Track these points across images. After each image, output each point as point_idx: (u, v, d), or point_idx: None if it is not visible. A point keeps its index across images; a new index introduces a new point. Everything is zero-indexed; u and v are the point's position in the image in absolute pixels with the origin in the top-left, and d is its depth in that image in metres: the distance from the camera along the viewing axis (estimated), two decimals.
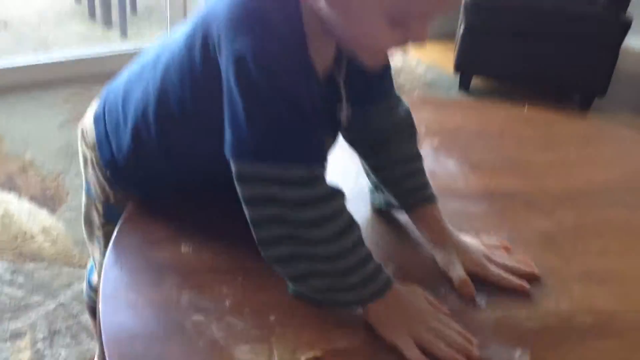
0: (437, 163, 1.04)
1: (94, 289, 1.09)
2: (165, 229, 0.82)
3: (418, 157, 0.88)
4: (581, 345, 0.71)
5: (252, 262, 0.73)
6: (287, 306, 0.71)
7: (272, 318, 0.70)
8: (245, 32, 0.66)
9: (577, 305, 0.76)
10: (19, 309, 1.42)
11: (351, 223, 0.69)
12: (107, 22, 3.33)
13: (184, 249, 0.78)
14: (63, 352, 1.33)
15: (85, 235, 0.99)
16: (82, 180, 0.95)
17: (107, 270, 0.75)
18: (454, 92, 2.76)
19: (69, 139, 2.10)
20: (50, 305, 1.44)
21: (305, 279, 0.69)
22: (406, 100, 0.92)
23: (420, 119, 1.16)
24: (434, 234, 0.83)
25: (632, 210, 0.97)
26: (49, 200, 1.80)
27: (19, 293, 1.46)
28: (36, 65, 2.54)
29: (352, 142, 0.91)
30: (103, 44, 3.09)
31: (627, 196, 1.01)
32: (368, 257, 0.69)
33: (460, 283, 0.76)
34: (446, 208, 0.87)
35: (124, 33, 3.23)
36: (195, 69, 0.73)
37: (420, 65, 2.95)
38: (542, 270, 0.81)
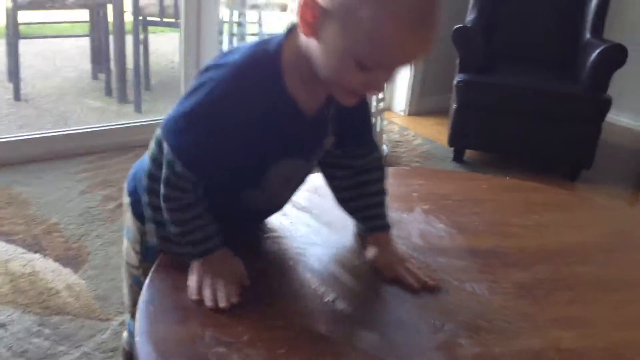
0: (427, 225, 1.17)
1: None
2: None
3: (381, 193, 1.08)
4: None
5: (264, 306, 0.89)
6: (293, 342, 0.84)
7: (281, 351, 0.82)
8: (230, 68, 0.87)
9: (546, 344, 0.88)
10: (46, 357, 1.53)
11: (191, 205, 0.93)
12: (123, 98, 3.51)
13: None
14: None
15: (125, 280, 1.15)
16: (122, 227, 1.13)
17: (141, 307, 0.88)
18: (449, 162, 2.92)
19: (89, 204, 2.25)
20: (75, 354, 1.54)
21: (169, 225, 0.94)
22: (402, 170, 1.10)
23: (414, 187, 1.33)
24: (376, 241, 1.05)
25: (601, 267, 1.09)
26: (72, 259, 1.93)
27: (46, 344, 1.57)
28: (57, 136, 2.71)
29: (329, 177, 1.10)
30: (119, 118, 3.27)
31: (598, 255, 1.13)
32: (200, 227, 0.93)
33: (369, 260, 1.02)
34: (434, 262, 1.03)
35: (138, 109, 3.42)
36: None
37: (418, 139, 3.13)
38: (517, 316, 0.93)
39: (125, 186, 1.12)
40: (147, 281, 0.94)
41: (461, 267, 1.05)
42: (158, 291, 0.92)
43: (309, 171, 1.04)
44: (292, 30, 0.89)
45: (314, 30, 0.83)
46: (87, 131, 2.80)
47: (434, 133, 3.21)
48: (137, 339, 0.83)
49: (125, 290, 1.17)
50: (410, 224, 1.18)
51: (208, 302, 0.88)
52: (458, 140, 2.87)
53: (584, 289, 1.03)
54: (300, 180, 1.04)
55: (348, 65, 0.81)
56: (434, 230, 1.16)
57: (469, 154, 2.98)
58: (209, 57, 2.87)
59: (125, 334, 1.27)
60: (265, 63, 0.87)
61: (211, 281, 0.90)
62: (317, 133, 0.98)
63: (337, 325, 0.88)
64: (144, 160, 1.04)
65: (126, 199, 1.10)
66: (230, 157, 0.91)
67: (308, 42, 0.85)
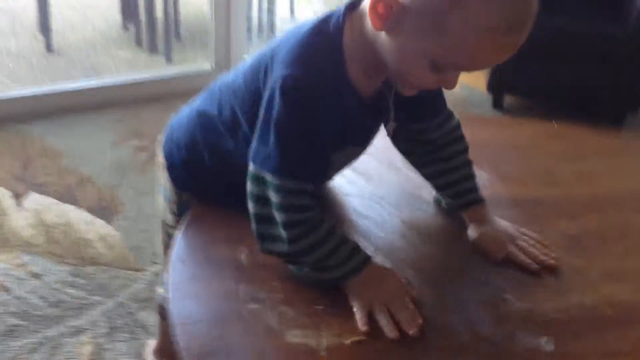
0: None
1: None
2: (224, 231, 0.92)
3: (467, 165, 1.00)
4: (603, 334, 0.78)
5: None
6: (332, 298, 0.80)
7: (319, 308, 0.78)
8: (293, 63, 0.79)
9: (599, 298, 0.83)
10: (81, 307, 1.55)
11: (314, 227, 0.81)
12: (153, 48, 3.46)
13: (240, 249, 0.87)
14: (121, 347, 1.45)
15: (162, 238, 1.12)
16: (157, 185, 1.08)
17: (173, 264, 0.85)
18: (487, 109, 2.82)
19: (120, 156, 2.23)
20: (109, 304, 1.56)
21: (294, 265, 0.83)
22: None
23: None
24: (475, 217, 0.96)
25: None
26: (105, 210, 1.93)
27: (81, 294, 1.59)
28: (89, 89, 2.69)
29: (406, 153, 1.02)
30: (149, 69, 3.24)
31: None
32: (341, 242, 0.82)
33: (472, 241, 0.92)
34: None
35: (168, 59, 3.37)
36: (251, 99, 0.86)
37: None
38: (567, 269, 0.88)
39: (160, 142, 1.06)
40: (178, 236, 0.91)
41: (505, 218, 0.98)
42: (190, 247, 0.90)
43: (362, 153, 0.98)
44: (352, 8, 0.82)
45: (385, 24, 0.76)
46: (118, 82, 2.78)
47: (472, 79, 3.09)
48: (169, 295, 0.80)
49: (161, 246, 1.15)
50: None
51: (390, 332, 0.76)
52: (497, 85, 2.75)
53: (637, 239, 0.96)
54: (352, 163, 0.99)
55: (422, 65, 0.77)
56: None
57: (508, 100, 2.87)
58: (239, 6, 2.82)
59: (160, 290, 1.26)
60: (327, 51, 0.81)
61: (382, 306, 0.79)
62: (378, 119, 0.93)
63: None
64: (181, 117, 1.01)
65: (162, 160, 1.04)
66: (318, 153, 0.83)
67: (375, 32, 0.79)
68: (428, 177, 1.01)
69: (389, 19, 0.75)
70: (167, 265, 1.04)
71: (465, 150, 1.00)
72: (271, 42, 0.87)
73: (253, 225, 0.82)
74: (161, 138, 1.06)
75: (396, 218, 0.98)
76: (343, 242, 0.82)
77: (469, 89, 3.00)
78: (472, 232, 0.94)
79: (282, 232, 0.80)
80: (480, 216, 0.96)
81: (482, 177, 1.09)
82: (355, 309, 0.78)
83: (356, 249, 0.83)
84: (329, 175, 0.98)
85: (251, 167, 0.82)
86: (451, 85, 0.80)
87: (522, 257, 0.89)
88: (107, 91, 2.70)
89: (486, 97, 2.86)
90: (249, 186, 0.82)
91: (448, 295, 0.83)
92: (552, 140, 1.27)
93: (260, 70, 0.85)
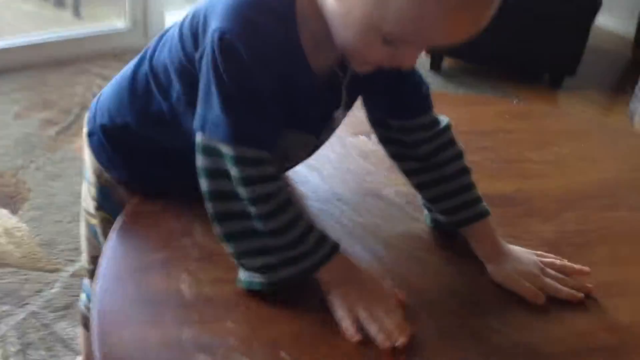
0: None
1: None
2: (160, 247, 0.77)
3: (465, 172, 0.85)
4: None
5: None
6: (298, 341, 0.66)
7: (283, 354, 0.65)
8: (235, 17, 0.68)
9: (593, 321, 0.74)
10: None
11: (288, 201, 0.71)
12: (59, 1, 3.18)
13: (182, 277, 0.72)
14: None
15: (81, 227, 0.98)
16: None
17: (100, 295, 0.69)
18: (425, 72, 2.72)
19: (26, 130, 1.98)
20: (20, 314, 1.35)
21: (255, 256, 0.71)
22: None
23: None
24: (486, 248, 0.81)
25: (634, 212, 0.95)
26: (9, 198, 1.69)
27: None
28: None
29: (396, 157, 0.87)
30: (55, 25, 2.94)
31: (627, 195, 0.99)
32: (309, 227, 0.72)
33: (531, 295, 0.76)
34: None
35: (77, 14, 3.08)
36: (185, 55, 0.75)
37: None
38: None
39: (87, 113, 0.92)
40: (104, 257, 0.75)
41: None
42: (119, 274, 0.74)
43: (314, 149, 0.87)
44: None
45: None
46: (20, 43, 2.47)
47: None
48: (94, 336, 0.65)
49: (82, 241, 1.00)
50: None
51: (383, 342, 0.67)
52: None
53: (619, 242, 0.88)
54: (301, 159, 0.88)
55: (372, 38, 0.66)
56: None
57: (447, 62, 2.78)
58: None
59: (83, 297, 1.09)
60: (276, 6, 0.69)
61: (367, 311, 0.70)
62: (328, 103, 0.80)
63: None
64: (112, 81, 0.87)
65: (85, 129, 0.90)
66: (269, 115, 0.72)
67: None
68: (419, 187, 0.87)
69: None
70: (91, 267, 0.94)
71: (459, 155, 0.85)
72: None
73: (208, 205, 0.71)
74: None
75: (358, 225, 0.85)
76: (309, 227, 0.72)
77: None
78: (493, 272, 0.79)
79: (252, 209, 0.69)
80: (485, 241, 0.82)
81: None
82: (339, 316, 0.69)
83: (323, 236, 0.72)
84: (280, 162, 0.80)
85: (199, 136, 0.71)
86: (406, 63, 0.69)
87: (564, 291, 0.77)
88: (8, 53, 2.40)
89: (424, 59, 2.75)
90: (200, 160, 0.71)
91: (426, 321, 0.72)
92: (516, 122, 1.17)
93: (194, 22, 0.73)
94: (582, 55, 2.57)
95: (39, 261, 1.49)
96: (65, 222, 1.59)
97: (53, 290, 1.41)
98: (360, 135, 1.06)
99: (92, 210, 0.92)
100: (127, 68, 0.86)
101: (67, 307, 1.36)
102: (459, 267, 0.81)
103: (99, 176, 0.89)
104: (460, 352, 0.68)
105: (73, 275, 1.44)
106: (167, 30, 0.82)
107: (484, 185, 0.95)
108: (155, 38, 0.84)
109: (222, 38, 0.67)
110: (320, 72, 0.74)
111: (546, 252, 0.83)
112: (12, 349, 1.28)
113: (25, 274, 1.45)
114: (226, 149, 0.69)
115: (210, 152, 0.70)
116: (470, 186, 0.84)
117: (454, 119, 1.15)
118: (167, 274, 0.73)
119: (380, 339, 0.67)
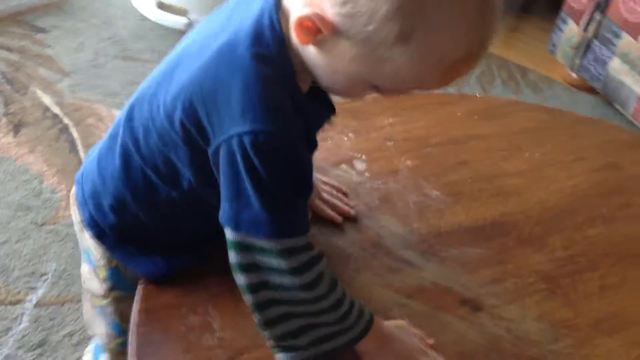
0: (419, 194, 1.01)
1: None
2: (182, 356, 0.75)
3: None
4: None
5: None
6: None
7: None
8: (261, 115, 0.65)
9: None
10: None
11: (334, 279, 0.72)
12: None
13: None
14: None
15: (86, 315, 0.96)
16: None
17: None
18: None
19: None
20: None
21: (301, 333, 0.70)
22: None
23: (385, 129, 1.14)
24: None
25: (609, 225, 1.01)
26: None
27: None
28: None
29: None
30: None
31: (599, 204, 1.04)
32: (352, 302, 0.73)
33: None
34: (445, 254, 0.91)
35: None
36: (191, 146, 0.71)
37: None
38: (558, 327, 0.83)
39: (72, 197, 0.86)
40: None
41: (478, 260, 0.91)
42: None
43: None
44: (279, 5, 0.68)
45: (313, 39, 0.64)
46: None
47: None
48: None
49: (88, 320, 0.96)
50: (402, 195, 1.01)
51: None
52: None
53: (606, 265, 0.94)
54: None
55: (360, 85, 0.68)
56: (428, 201, 1.01)
57: None
58: None
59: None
60: (281, 84, 0.67)
61: (411, 354, 0.73)
62: (324, 116, 0.81)
63: None
64: (108, 185, 0.80)
65: (78, 216, 0.85)
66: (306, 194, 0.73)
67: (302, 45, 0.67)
68: None
69: (319, 36, 0.64)
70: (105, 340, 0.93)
71: None
72: (178, 70, 0.71)
73: (248, 298, 0.69)
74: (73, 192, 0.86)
75: None
76: (352, 299, 0.73)
77: None
78: None
79: (301, 295, 0.68)
80: None
81: (435, 198, 1.01)
82: None
83: (363, 307, 0.74)
84: None
85: (232, 234, 0.68)
86: (391, 97, 0.72)
87: (327, 211, 0.90)
88: None
89: None
90: (234, 256, 0.68)
91: None
92: (484, 124, 1.19)
93: (193, 116, 0.68)
94: None
95: None
96: (12, 242, 1.48)
97: (22, 326, 1.32)
98: (342, 165, 1.05)
99: (101, 292, 0.88)
100: (109, 163, 0.79)
101: (42, 343, 1.29)
102: None
103: (109, 260, 0.85)
104: None
105: (38, 305, 1.36)
106: (132, 114, 0.76)
107: (472, 212, 1.00)
108: (122, 123, 0.78)
109: (256, 142, 0.64)
110: (306, 89, 0.74)
111: (546, 291, 0.88)
112: None
113: None
114: (269, 245, 0.67)
115: (247, 248, 0.68)
116: None
117: (424, 127, 1.17)
118: None
119: None
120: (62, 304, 1.35)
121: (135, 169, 0.76)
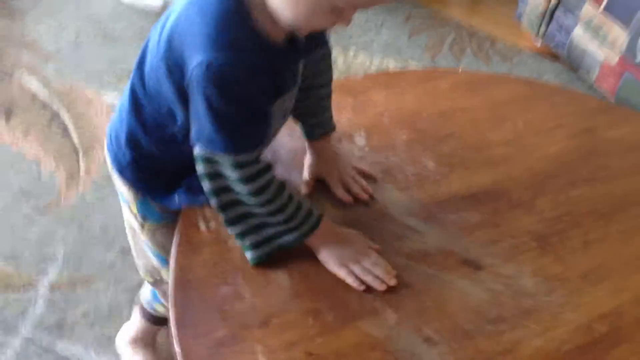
0: (416, 165, 1.09)
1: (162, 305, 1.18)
2: (219, 326, 0.82)
3: (330, 95, 1.04)
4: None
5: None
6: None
7: None
8: (216, 46, 0.77)
9: (588, 313, 0.90)
10: None
11: (281, 186, 0.86)
12: None
13: (253, 349, 0.80)
14: None
15: (137, 260, 1.10)
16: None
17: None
18: None
19: None
20: (15, 343, 1.31)
21: (256, 231, 0.87)
22: (355, 80, 1.08)
23: (380, 105, 1.21)
24: (317, 147, 1.03)
25: (589, 185, 1.10)
26: None
27: None
28: None
29: None
30: None
31: (580, 167, 1.13)
32: (299, 205, 0.88)
33: (304, 180, 1.01)
34: (448, 223, 1.00)
35: None
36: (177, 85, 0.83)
37: None
38: (551, 280, 0.93)
39: (105, 148, 1.00)
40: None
41: (476, 224, 1.00)
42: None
43: (287, 116, 0.98)
44: None
45: None
46: None
47: None
48: None
49: (137, 260, 1.11)
50: (401, 167, 1.09)
51: (378, 286, 0.87)
52: None
53: (589, 222, 1.04)
54: (290, 109, 0.97)
55: (323, 11, 0.77)
56: (425, 172, 1.09)
57: None
58: None
59: (146, 293, 1.21)
60: (239, 20, 0.78)
61: (358, 264, 0.89)
62: (299, 59, 0.91)
63: None
64: (122, 117, 0.94)
65: (110, 166, 0.99)
66: (260, 119, 0.86)
67: None
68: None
69: None
70: (153, 277, 1.10)
71: (331, 80, 1.03)
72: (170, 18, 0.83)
73: (213, 201, 0.86)
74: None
75: None
76: (300, 200, 0.88)
77: None
78: (306, 162, 1.02)
79: (251, 200, 0.84)
80: (321, 146, 1.03)
81: (431, 168, 1.09)
82: (342, 275, 0.88)
83: (310, 207, 0.89)
84: (274, 132, 0.96)
85: (198, 149, 0.83)
86: (348, 22, 0.80)
87: (339, 191, 1.00)
88: None
89: None
90: (200, 167, 0.83)
91: None
92: (470, 96, 1.27)
93: (175, 54, 0.81)
94: None
95: (10, 278, 1.43)
96: (19, 226, 1.52)
97: (38, 309, 1.37)
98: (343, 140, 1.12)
99: (138, 227, 1.02)
100: (124, 103, 0.93)
101: (59, 324, 1.34)
102: None
103: (135, 195, 0.98)
104: None
105: (51, 288, 1.41)
106: (143, 59, 0.88)
107: (466, 181, 1.08)
108: (135, 66, 0.90)
109: (210, 70, 0.76)
110: (281, 37, 0.83)
111: (538, 249, 0.98)
112: None
113: (2, 298, 1.39)
114: (224, 158, 0.81)
115: (209, 160, 0.82)
116: (329, 108, 1.04)
117: (415, 101, 1.25)
118: (240, 351, 0.80)
119: (376, 285, 0.87)
120: (75, 285, 1.41)
121: (142, 106, 0.90)
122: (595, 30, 2.08)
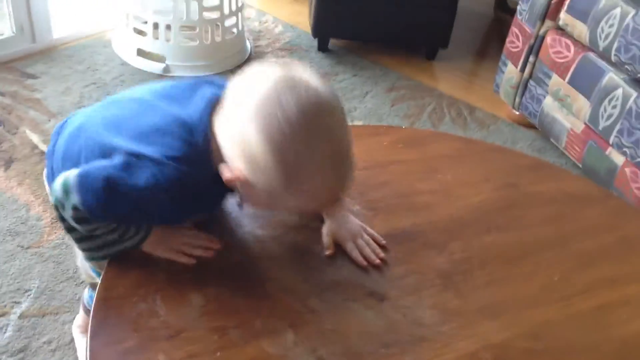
0: (347, 210, 1.18)
1: None
2: (131, 336, 0.92)
3: None
4: None
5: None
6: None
7: None
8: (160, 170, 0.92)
9: (478, 341, 0.97)
10: None
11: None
12: None
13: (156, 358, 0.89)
14: None
15: (77, 256, 1.25)
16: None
17: None
18: (314, 53, 2.88)
19: None
20: None
21: (99, 249, 1.02)
22: None
23: None
24: (330, 211, 1.12)
25: (502, 233, 1.18)
26: None
27: None
28: None
29: None
30: None
31: (497, 217, 1.22)
32: (133, 229, 0.99)
33: (326, 245, 1.09)
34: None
35: None
36: None
37: (278, 26, 3.01)
38: (448, 313, 1.01)
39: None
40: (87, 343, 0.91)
41: (388, 259, 1.09)
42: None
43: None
44: (213, 108, 0.92)
45: (236, 179, 0.90)
46: None
47: (293, 15, 3.10)
48: None
49: (78, 263, 1.25)
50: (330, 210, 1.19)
51: (198, 252, 1.01)
52: (322, 29, 2.81)
53: (494, 265, 1.11)
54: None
55: (278, 209, 1.03)
56: (355, 215, 1.18)
57: (333, 42, 2.94)
58: None
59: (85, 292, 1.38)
60: (199, 160, 0.92)
61: (180, 242, 1.01)
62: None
63: None
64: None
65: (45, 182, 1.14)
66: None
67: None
68: None
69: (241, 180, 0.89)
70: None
71: None
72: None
73: (64, 224, 1.00)
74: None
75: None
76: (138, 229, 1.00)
77: (293, 29, 3.01)
78: (324, 228, 1.10)
79: (78, 227, 0.97)
80: (335, 211, 1.10)
81: (357, 212, 1.18)
82: (170, 257, 1.01)
83: (138, 228, 1.00)
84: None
85: (72, 174, 0.92)
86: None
87: (355, 254, 1.08)
88: None
89: (311, 38, 2.90)
90: (57, 188, 0.93)
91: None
92: (407, 151, 1.37)
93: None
94: (451, 30, 2.83)
95: None
96: (0, 262, 1.66)
97: (6, 334, 1.48)
98: None
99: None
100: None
101: (23, 349, 1.45)
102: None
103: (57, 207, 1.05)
104: None
105: (21, 316, 1.52)
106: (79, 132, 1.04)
107: (387, 223, 1.17)
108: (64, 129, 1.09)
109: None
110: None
111: (442, 284, 1.06)
112: None
113: None
114: (77, 201, 0.91)
115: (66, 189, 0.92)
116: None
117: (361, 153, 1.34)
118: (146, 358, 0.89)
119: (198, 253, 1.01)
120: (43, 316, 1.52)
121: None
122: (562, 100, 2.19)
